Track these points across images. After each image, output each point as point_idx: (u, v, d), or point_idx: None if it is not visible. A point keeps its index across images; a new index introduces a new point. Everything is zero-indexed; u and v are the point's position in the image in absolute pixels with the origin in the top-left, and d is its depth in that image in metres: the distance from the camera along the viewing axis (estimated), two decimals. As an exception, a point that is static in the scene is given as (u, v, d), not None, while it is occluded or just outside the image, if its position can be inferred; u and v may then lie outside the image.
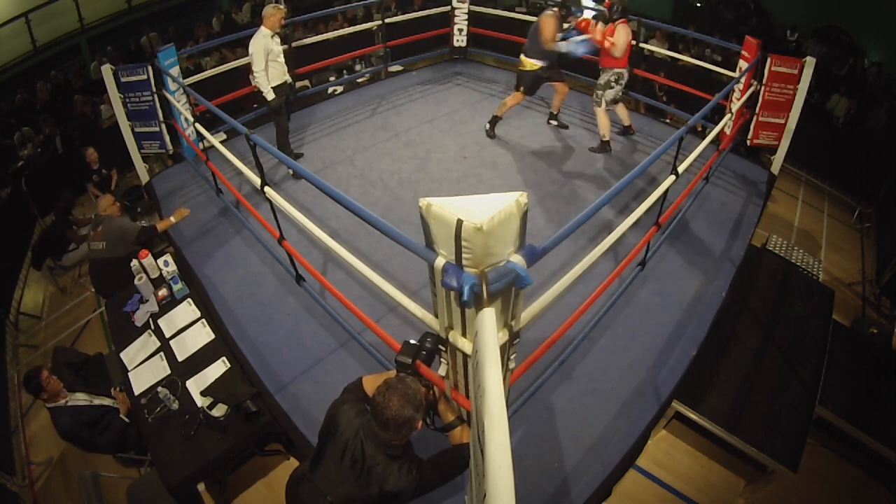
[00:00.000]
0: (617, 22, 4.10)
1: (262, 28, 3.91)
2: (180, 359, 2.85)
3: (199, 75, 4.89)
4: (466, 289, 1.40)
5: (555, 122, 5.05)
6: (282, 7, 3.94)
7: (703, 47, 7.54)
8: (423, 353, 1.84)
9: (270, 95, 3.98)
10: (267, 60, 3.90)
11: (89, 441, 2.73)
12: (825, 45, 8.21)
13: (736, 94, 4.37)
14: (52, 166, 6.08)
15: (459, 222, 1.36)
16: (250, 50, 3.92)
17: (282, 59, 4.08)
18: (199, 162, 4.32)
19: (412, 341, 1.84)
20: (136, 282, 3.16)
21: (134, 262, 3.28)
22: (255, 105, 5.46)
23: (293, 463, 2.89)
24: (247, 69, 5.80)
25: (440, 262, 1.51)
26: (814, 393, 3.00)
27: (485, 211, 1.36)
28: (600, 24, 4.16)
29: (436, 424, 1.82)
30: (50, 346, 4.18)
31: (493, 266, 1.46)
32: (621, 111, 4.67)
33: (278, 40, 4.00)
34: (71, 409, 2.71)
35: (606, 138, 4.52)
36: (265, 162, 2.87)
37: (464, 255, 1.43)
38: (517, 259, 1.46)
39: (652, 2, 9.19)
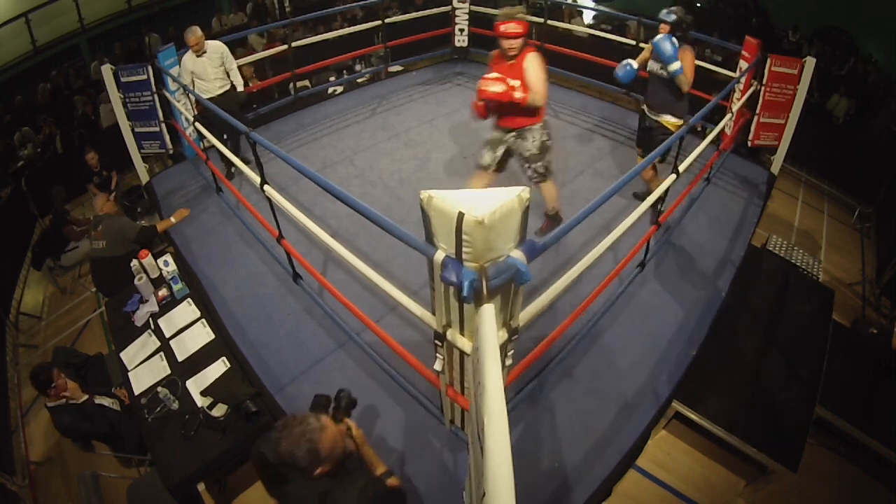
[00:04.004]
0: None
1: (189, 50, 4.06)
2: (180, 359, 2.84)
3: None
4: (466, 284, 1.40)
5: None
6: (194, 31, 4.03)
7: (703, 47, 7.53)
8: (336, 408, 1.82)
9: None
10: (192, 80, 4.12)
11: (90, 432, 2.74)
12: (825, 45, 8.22)
13: (736, 95, 4.37)
14: (52, 166, 6.07)
15: (461, 215, 1.36)
16: (180, 68, 4.15)
17: (212, 76, 4.17)
18: (200, 161, 4.32)
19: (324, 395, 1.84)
20: (136, 282, 3.16)
21: (134, 262, 3.28)
22: (254, 105, 5.48)
23: (293, 462, 2.88)
24: (246, 69, 5.84)
25: (440, 255, 1.51)
26: (814, 393, 3.00)
27: (486, 204, 1.36)
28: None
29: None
30: (50, 346, 4.17)
31: (493, 261, 1.46)
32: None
33: (205, 58, 4.09)
34: (71, 407, 2.71)
35: None
36: (265, 161, 2.87)
37: (464, 250, 1.42)
38: (517, 254, 1.46)
39: (652, 2, 9.20)
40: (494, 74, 2.82)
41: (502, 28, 2.80)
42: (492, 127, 3.24)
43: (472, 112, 3.13)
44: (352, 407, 1.85)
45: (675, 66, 3.16)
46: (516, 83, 2.81)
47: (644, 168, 2.59)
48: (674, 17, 3.26)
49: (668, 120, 3.41)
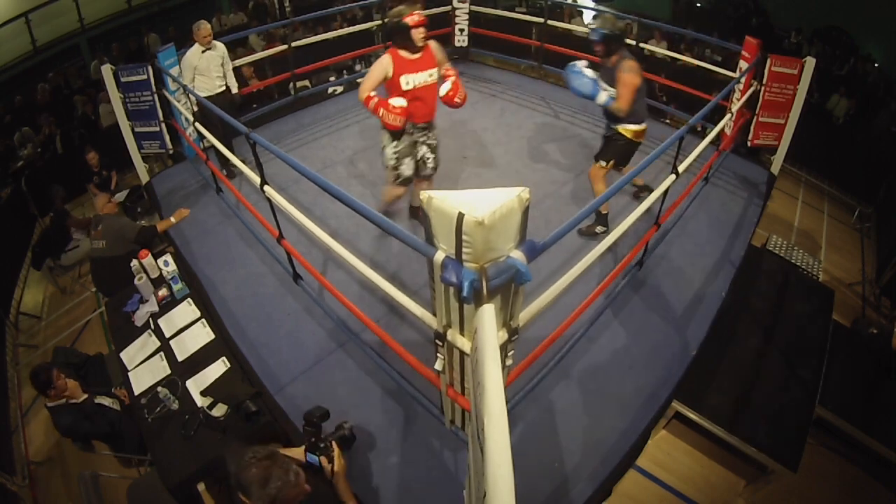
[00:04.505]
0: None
1: (195, 45, 4.05)
2: (180, 359, 2.84)
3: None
4: (466, 284, 1.40)
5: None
6: (204, 24, 4.06)
7: (703, 47, 7.55)
8: (333, 434, 1.85)
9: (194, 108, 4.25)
10: (195, 76, 4.11)
11: (90, 432, 2.74)
12: (825, 45, 8.22)
13: (736, 95, 4.37)
14: (52, 166, 6.08)
15: (461, 216, 1.36)
16: (181, 65, 4.13)
17: (214, 73, 4.19)
18: (200, 161, 4.32)
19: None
20: (136, 282, 3.16)
21: (134, 262, 3.28)
22: (254, 105, 5.48)
23: (293, 463, 2.88)
24: (246, 69, 5.84)
25: (440, 256, 1.51)
26: (814, 393, 3.00)
27: (486, 205, 1.36)
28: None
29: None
30: (50, 346, 4.18)
31: (493, 261, 1.46)
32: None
33: (210, 54, 4.11)
34: (71, 407, 2.71)
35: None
36: (265, 161, 2.87)
37: (464, 250, 1.42)
38: (517, 255, 1.46)
39: (652, 2, 9.20)
40: (450, 82, 2.96)
41: (415, 18, 2.82)
42: (406, 131, 3.09)
43: (396, 123, 2.91)
44: (349, 441, 1.87)
45: (601, 98, 3.06)
46: (435, 71, 2.97)
47: (643, 169, 2.58)
48: (603, 32, 3.05)
49: (626, 128, 3.29)
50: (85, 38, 8.58)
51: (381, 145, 3.20)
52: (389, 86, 2.95)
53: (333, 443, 1.78)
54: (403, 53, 2.92)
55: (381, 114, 2.86)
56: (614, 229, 2.53)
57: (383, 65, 2.89)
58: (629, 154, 3.45)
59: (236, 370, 2.75)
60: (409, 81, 2.92)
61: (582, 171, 4.37)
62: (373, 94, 2.88)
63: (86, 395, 2.79)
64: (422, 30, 2.86)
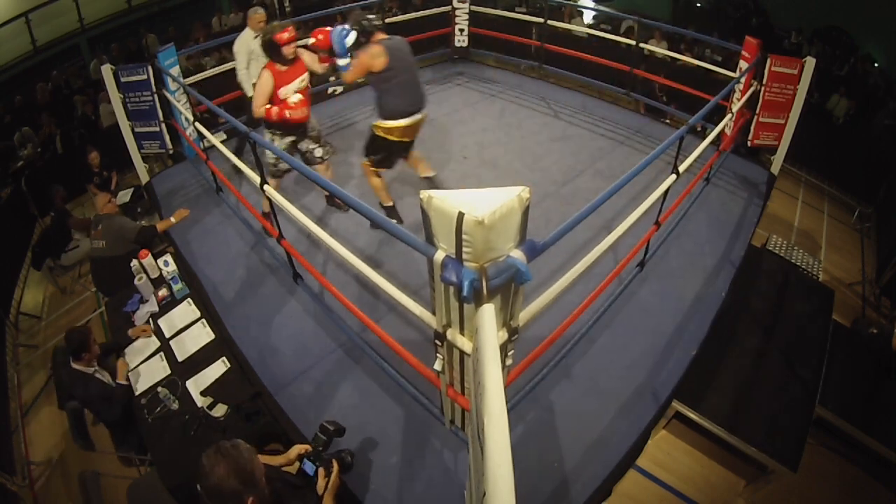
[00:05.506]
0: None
1: (247, 29, 4.06)
2: (180, 359, 2.84)
3: (199, 75, 4.89)
4: (466, 284, 1.39)
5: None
6: (261, 11, 4.08)
7: (703, 47, 7.55)
8: (337, 455, 1.85)
9: (250, 92, 4.15)
10: (249, 60, 4.09)
11: (96, 409, 2.74)
12: (825, 45, 8.22)
13: (736, 95, 4.37)
14: (52, 166, 6.08)
15: (461, 215, 1.36)
16: (234, 49, 4.11)
17: (263, 59, 4.11)
18: (200, 161, 4.32)
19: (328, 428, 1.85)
20: (136, 282, 3.16)
21: (134, 262, 3.28)
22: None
23: (293, 463, 2.88)
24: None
25: (440, 255, 1.51)
26: (814, 393, 3.00)
27: (487, 204, 1.36)
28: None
29: None
30: (50, 346, 4.18)
31: (493, 261, 1.46)
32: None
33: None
34: (96, 382, 2.70)
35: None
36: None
37: (464, 250, 1.42)
38: (517, 254, 1.46)
39: (652, 2, 9.20)
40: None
41: (286, 36, 3.12)
42: (285, 133, 3.36)
43: (302, 114, 3.28)
44: (346, 467, 1.88)
45: (340, 62, 3.18)
46: (306, 75, 3.31)
47: (643, 168, 2.57)
48: (350, 30, 3.16)
49: (377, 123, 3.25)
50: (85, 38, 8.58)
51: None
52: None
53: (335, 461, 1.79)
54: (278, 66, 3.20)
55: (287, 115, 3.18)
56: (615, 229, 2.53)
57: (266, 80, 3.17)
58: (389, 152, 3.36)
59: (236, 370, 2.75)
60: (285, 92, 3.21)
61: (582, 170, 4.38)
62: (267, 105, 3.19)
63: (126, 383, 2.75)
64: (292, 45, 3.17)
